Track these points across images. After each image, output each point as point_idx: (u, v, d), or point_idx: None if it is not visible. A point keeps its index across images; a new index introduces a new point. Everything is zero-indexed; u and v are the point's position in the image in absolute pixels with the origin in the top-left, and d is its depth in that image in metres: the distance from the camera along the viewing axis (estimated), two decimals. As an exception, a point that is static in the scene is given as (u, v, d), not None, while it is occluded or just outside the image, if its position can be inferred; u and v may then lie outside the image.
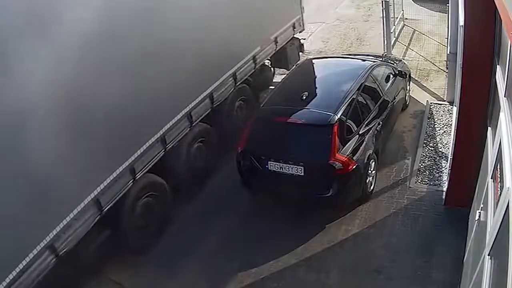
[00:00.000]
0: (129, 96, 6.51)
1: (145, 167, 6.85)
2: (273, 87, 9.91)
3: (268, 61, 10.83)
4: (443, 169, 8.05)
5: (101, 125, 6.12)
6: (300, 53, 11.69)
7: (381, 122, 7.91)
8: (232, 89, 8.99)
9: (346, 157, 6.96)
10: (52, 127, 5.48)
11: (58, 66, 5.51)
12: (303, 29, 11.73)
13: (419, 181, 7.91)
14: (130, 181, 6.62)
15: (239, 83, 9.17)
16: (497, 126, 4.76)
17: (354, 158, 7.07)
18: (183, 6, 7.51)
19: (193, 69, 7.73)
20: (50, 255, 5.54)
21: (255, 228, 7.43)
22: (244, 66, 9.29)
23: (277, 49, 10.55)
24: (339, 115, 7.11)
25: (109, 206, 6.28)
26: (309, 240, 7.10)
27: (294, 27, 11.28)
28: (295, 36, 11.44)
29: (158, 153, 7.11)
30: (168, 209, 7.52)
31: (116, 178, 6.34)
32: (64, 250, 5.70)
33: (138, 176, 6.74)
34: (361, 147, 7.26)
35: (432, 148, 8.59)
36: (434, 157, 8.37)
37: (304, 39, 12.13)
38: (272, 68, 11.23)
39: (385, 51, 11.26)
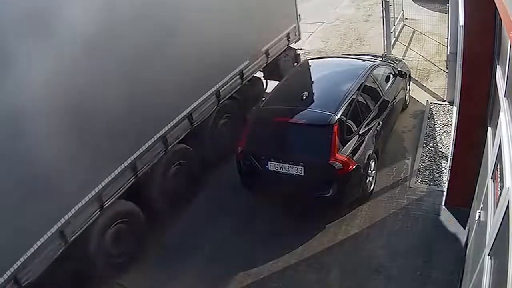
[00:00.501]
0: (94, 121, 6.08)
1: (113, 196, 6.43)
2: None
3: (261, 72, 10.32)
4: (443, 169, 8.05)
5: (65, 152, 5.71)
6: (301, 54, 11.63)
7: (381, 122, 7.91)
8: (215, 107, 8.42)
9: (346, 157, 6.96)
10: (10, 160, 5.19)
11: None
12: (299, 39, 11.26)
13: (419, 181, 7.91)
14: (97, 211, 6.24)
15: (223, 100, 8.59)
16: (497, 126, 4.75)
17: (354, 158, 7.07)
18: (155, 21, 6.93)
19: (169, 89, 7.20)
20: (13, 286, 5.32)
21: (255, 228, 7.43)
22: (229, 82, 8.68)
23: (269, 61, 10.00)
24: (339, 115, 7.11)
25: (75, 236, 5.96)
26: (309, 240, 7.10)
27: (288, 37, 10.65)
28: (290, 46, 10.95)
29: (128, 180, 6.66)
30: (142, 235, 7.09)
31: (82, 208, 5.98)
32: (27, 281, 5.46)
33: (107, 205, 6.35)
34: (361, 147, 7.26)
35: (432, 148, 8.59)
36: (434, 157, 8.37)
37: (301, 49, 11.74)
38: (264, 81, 10.56)
39: (385, 51, 11.26)
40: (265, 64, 9.92)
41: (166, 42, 7.11)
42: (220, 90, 8.45)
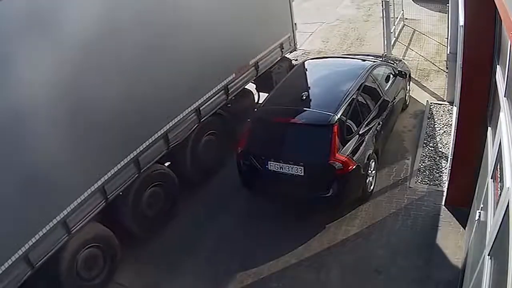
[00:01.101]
0: (60, 145, 5.82)
1: (81, 221, 6.15)
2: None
3: (252, 83, 9.74)
4: (443, 169, 8.05)
5: (28, 176, 5.50)
6: (301, 54, 11.61)
7: (381, 122, 7.91)
8: (196, 125, 7.89)
9: (346, 157, 6.96)
10: None
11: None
12: (295, 49, 10.68)
13: (419, 181, 7.91)
14: (64, 236, 6.00)
15: (204, 118, 8.02)
16: (497, 126, 4.76)
17: (354, 158, 7.07)
18: (125, 36, 6.46)
19: (143, 108, 6.75)
20: None
21: (255, 228, 7.43)
22: (211, 98, 8.11)
23: (259, 74, 9.42)
24: (339, 115, 7.10)
25: (42, 261, 5.78)
26: (309, 240, 7.10)
27: (282, 48, 10.02)
28: (286, 56, 10.37)
29: (98, 204, 6.34)
30: (116, 259, 6.83)
31: (47, 233, 5.76)
32: None
33: (74, 230, 6.10)
34: (361, 147, 7.26)
35: (432, 148, 8.59)
36: (434, 157, 8.37)
37: (296, 59, 11.35)
38: (257, 93, 10.08)
39: (385, 51, 11.25)
40: (254, 77, 9.37)
41: (138, 56, 6.64)
42: (201, 108, 7.89)
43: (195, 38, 7.64)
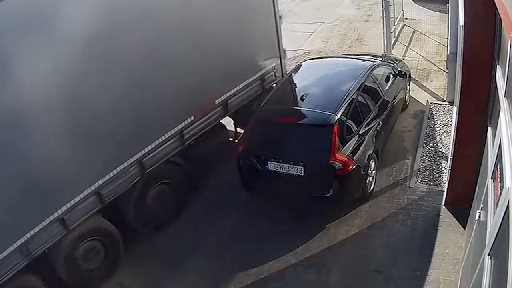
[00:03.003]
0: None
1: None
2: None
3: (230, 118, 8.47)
4: (443, 169, 8.05)
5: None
6: (301, 54, 11.58)
7: (381, 122, 7.91)
8: (138, 178, 6.87)
9: (346, 157, 6.96)
10: None
11: None
12: (282, 77, 9.14)
13: (419, 181, 7.91)
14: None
15: (150, 169, 6.98)
16: (497, 126, 4.76)
17: (354, 158, 7.07)
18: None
19: (70, 160, 5.97)
20: None
21: (255, 228, 7.43)
22: (160, 147, 7.02)
23: (229, 113, 8.19)
24: (339, 115, 7.10)
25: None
26: (309, 240, 7.10)
27: (263, 80, 8.56)
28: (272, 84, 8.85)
29: (19, 263, 5.74)
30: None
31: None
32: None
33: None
34: (361, 147, 7.26)
35: (432, 148, 8.59)
36: (434, 157, 8.37)
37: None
38: (234, 128, 8.97)
39: (385, 51, 11.25)
40: (222, 117, 8.12)
41: (63, 108, 5.84)
42: (144, 160, 6.84)
43: (137, 76, 6.52)
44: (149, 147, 6.88)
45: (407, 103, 9.70)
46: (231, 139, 8.81)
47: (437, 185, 7.77)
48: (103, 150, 6.33)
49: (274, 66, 8.82)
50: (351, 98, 7.45)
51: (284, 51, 9.16)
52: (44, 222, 5.88)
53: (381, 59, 9.48)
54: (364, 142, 7.36)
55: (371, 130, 7.59)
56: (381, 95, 8.25)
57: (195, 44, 7.28)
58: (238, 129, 8.99)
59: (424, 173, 8.04)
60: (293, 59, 11.68)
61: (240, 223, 7.60)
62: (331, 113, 7.10)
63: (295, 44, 12.39)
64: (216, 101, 7.83)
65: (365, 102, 7.83)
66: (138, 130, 6.71)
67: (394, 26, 11.85)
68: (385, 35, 11.29)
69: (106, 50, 6.16)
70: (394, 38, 11.90)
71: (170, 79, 7.02)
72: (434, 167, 8.14)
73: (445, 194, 7.37)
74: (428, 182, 7.86)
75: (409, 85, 9.73)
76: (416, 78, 10.63)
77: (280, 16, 8.88)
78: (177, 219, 7.72)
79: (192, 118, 7.46)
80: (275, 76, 8.89)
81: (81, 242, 6.47)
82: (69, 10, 5.70)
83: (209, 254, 7.14)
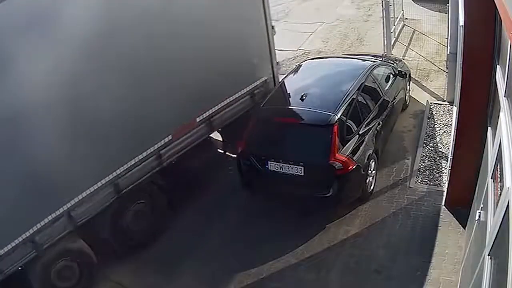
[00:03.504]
0: None
1: None
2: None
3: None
4: (443, 169, 8.05)
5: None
6: (301, 54, 11.55)
7: (381, 122, 7.90)
8: (113, 198, 6.57)
9: (346, 157, 6.95)
10: None
11: None
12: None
13: (419, 181, 7.91)
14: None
15: (125, 190, 6.66)
16: (497, 126, 4.76)
17: (354, 158, 7.07)
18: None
19: (41, 180, 5.77)
20: None
21: (255, 228, 7.42)
22: (135, 167, 6.66)
23: (214, 131, 7.74)
24: (339, 115, 7.10)
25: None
26: (309, 240, 7.10)
27: (253, 95, 8.04)
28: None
29: None
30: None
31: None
32: None
33: None
34: (361, 147, 7.26)
35: (432, 148, 8.59)
36: (434, 157, 8.37)
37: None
38: (222, 143, 8.37)
39: (385, 51, 11.25)
40: (207, 135, 7.64)
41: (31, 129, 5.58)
42: (118, 180, 6.52)
43: (109, 94, 6.13)
44: (123, 168, 6.52)
45: (407, 103, 9.70)
46: (220, 150, 8.40)
47: (437, 185, 7.77)
48: (74, 170, 6.00)
49: (266, 80, 8.27)
50: (351, 98, 7.45)
51: (278, 63, 8.63)
52: (13, 243, 5.73)
53: (381, 59, 9.48)
54: (364, 142, 7.36)
55: (371, 130, 7.60)
56: (381, 95, 8.25)
57: (173, 57, 6.74)
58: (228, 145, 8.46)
59: (424, 173, 8.04)
60: (293, 59, 11.70)
61: (240, 223, 7.59)
62: (331, 113, 7.10)
63: (295, 44, 12.40)
64: (198, 119, 7.31)
65: (365, 102, 7.83)
66: (110, 151, 6.33)
67: (394, 26, 11.85)
68: (385, 35, 11.29)
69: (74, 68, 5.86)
70: (394, 38, 11.90)
71: (144, 96, 6.51)
72: (434, 167, 8.14)
73: (445, 194, 7.37)
74: (428, 182, 7.86)
75: (409, 85, 9.73)
76: (416, 78, 10.63)
77: (272, 27, 8.33)
78: (178, 219, 7.71)
79: (170, 138, 6.98)
80: (266, 90, 8.27)
81: (54, 264, 6.30)
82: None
83: (209, 254, 7.13)
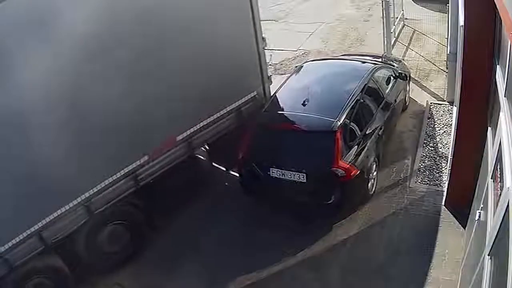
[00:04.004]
0: None
1: None
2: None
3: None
4: (443, 169, 8.05)
5: None
6: (301, 54, 11.53)
7: (382, 126, 7.84)
8: (86, 219, 6.33)
9: (348, 164, 6.87)
10: None
11: None
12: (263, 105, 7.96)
13: (419, 181, 7.91)
14: None
15: (98, 210, 6.40)
16: (497, 126, 4.75)
17: (357, 164, 6.99)
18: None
19: (11, 199, 5.57)
20: None
21: (254, 228, 7.42)
22: (108, 189, 6.38)
23: (196, 150, 7.41)
24: (341, 121, 7.01)
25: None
26: (309, 240, 7.08)
27: (240, 112, 7.54)
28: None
29: None
30: None
31: None
32: None
33: None
34: (363, 153, 7.19)
35: (432, 148, 8.59)
36: (434, 157, 8.37)
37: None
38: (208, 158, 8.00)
39: (385, 51, 11.24)
40: (189, 153, 7.23)
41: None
42: (91, 201, 6.27)
43: (91, 107, 5.86)
44: (96, 189, 6.24)
45: (407, 103, 9.68)
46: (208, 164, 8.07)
47: (437, 185, 7.76)
48: (45, 190, 5.75)
49: (255, 96, 7.72)
50: (353, 103, 7.35)
51: (269, 77, 8.16)
52: None
53: (381, 59, 9.45)
54: (366, 147, 7.29)
55: (373, 135, 7.52)
56: (383, 99, 8.17)
57: (149, 71, 6.30)
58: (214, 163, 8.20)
59: (424, 173, 8.03)
60: (293, 59, 11.70)
61: (240, 223, 7.58)
62: (333, 119, 6.99)
63: (295, 44, 12.38)
64: (178, 138, 6.91)
65: (367, 107, 7.73)
66: (82, 170, 5.98)
67: (394, 26, 11.84)
68: (385, 35, 11.28)
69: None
70: (394, 38, 11.89)
71: (118, 112, 6.12)
72: (434, 167, 8.14)
73: (445, 194, 7.37)
74: (428, 182, 7.86)
75: (409, 85, 9.72)
76: (416, 78, 10.62)
77: (263, 38, 7.83)
78: (177, 221, 7.70)
79: (146, 158, 6.63)
80: (255, 105, 7.77)
81: (26, 281, 6.14)
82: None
83: (210, 257, 7.12)
